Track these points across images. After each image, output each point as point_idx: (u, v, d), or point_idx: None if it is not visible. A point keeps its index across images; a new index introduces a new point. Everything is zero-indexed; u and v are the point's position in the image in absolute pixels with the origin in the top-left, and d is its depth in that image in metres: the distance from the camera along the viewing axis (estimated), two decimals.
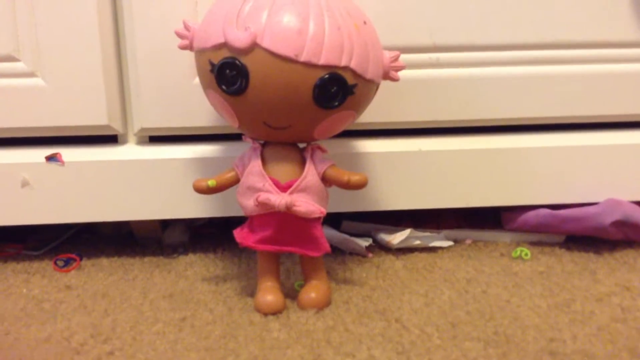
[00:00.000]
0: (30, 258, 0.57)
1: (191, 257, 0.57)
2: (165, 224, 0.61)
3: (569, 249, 0.58)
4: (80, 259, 0.56)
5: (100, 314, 0.46)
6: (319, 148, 0.46)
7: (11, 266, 0.55)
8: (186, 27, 0.44)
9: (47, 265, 0.55)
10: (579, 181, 0.57)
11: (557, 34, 0.54)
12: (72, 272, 0.54)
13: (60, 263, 0.55)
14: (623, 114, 0.57)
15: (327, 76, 0.40)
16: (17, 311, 0.47)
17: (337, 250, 0.58)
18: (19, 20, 0.50)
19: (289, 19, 0.39)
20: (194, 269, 0.55)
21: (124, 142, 0.55)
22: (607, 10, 0.54)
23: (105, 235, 0.63)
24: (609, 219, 0.55)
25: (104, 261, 0.56)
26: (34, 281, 0.52)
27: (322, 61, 0.40)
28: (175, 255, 0.58)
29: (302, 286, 0.48)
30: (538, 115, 0.56)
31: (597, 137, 0.57)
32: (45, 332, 0.43)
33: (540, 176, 0.57)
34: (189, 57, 0.48)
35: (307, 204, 0.44)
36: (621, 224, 0.55)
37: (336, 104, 0.42)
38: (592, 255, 0.57)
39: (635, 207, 0.57)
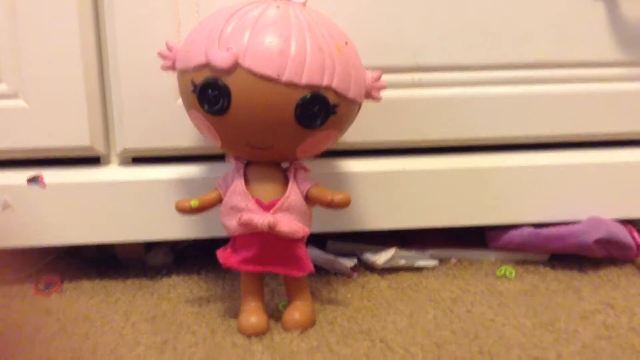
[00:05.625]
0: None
1: (174, 279, 0.57)
2: (149, 245, 0.61)
3: (553, 267, 0.58)
4: (62, 282, 0.56)
5: (80, 337, 0.45)
6: (302, 167, 0.46)
7: None
8: (168, 48, 0.44)
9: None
10: (562, 200, 0.58)
11: (538, 55, 0.55)
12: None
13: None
14: (605, 132, 0.58)
15: (309, 96, 0.41)
16: None
17: (321, 271, 0.57)
18: (1, 42, 0.50)
19: (270, 40, 0.40)
20: (177, 291, 0.54)
21: (107, 163, 0.54)
22: (586, 31, 0.55)
23: (88, 257, 0.62)
24: (592, 237, 0.55)
25: (86, 284, 0.56)
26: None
27: (304, 81, 0.40)
28: (158, 277, 0.57)
29: (286, 307, 0.48)
30: (521, 134, 0.57)
31: (580, 155, 0.58)
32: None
33: (523, 195, 0.57)
34: (172, 77, 0.48)
35: (290, 224, 0.44)
36: (605, 241, 0.56)
37: (318, 123, 0.42)
38: (576, 273, 0.57)
39: (618, 225, 0.57)
